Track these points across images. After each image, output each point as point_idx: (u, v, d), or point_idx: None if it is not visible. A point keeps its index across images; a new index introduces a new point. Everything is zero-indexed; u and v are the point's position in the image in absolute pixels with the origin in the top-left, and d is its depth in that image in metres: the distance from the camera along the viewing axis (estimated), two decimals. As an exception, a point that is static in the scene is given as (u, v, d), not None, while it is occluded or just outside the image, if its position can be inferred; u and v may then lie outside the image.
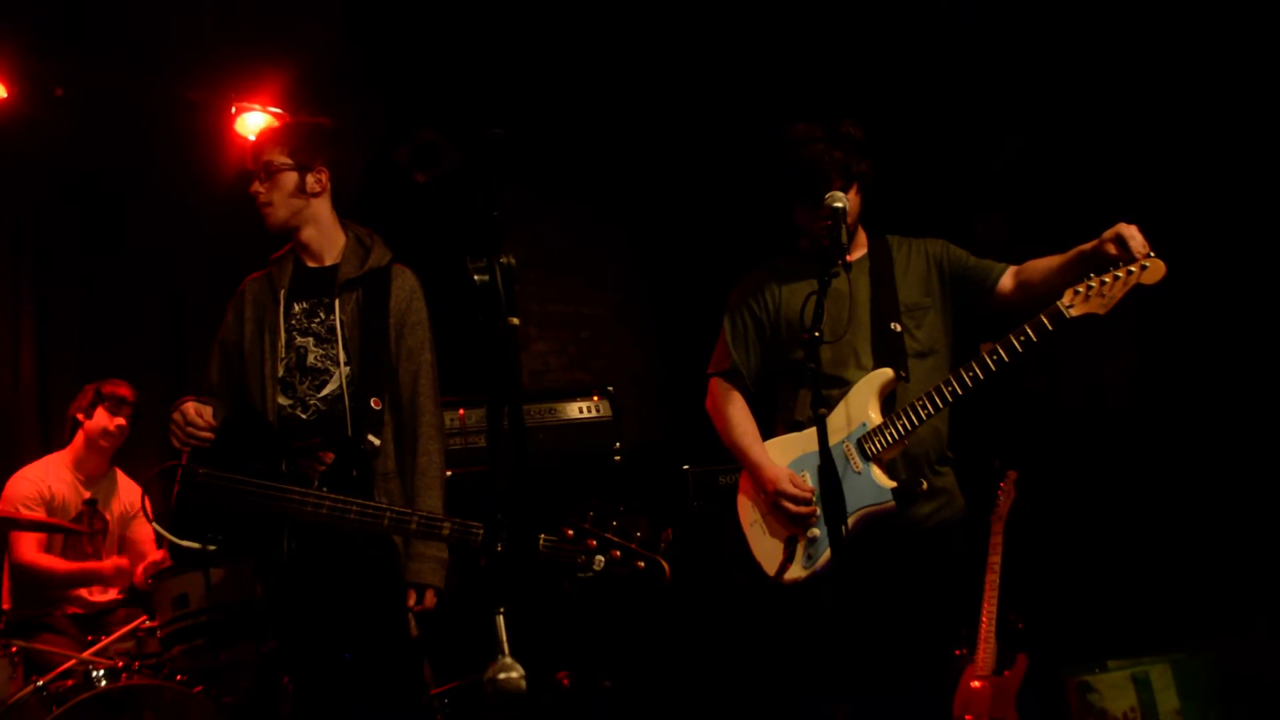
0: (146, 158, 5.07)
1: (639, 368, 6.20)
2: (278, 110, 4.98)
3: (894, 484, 2.71)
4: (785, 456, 2.89)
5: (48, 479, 4.28)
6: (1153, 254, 2.56)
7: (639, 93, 5.33)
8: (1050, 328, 2.62)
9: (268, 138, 3.04)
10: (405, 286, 2.98)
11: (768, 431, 2.99)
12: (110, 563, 4.23)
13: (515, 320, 1.79)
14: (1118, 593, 4.14)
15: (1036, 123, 4.60)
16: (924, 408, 2.70)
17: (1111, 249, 2.60)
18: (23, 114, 4.76)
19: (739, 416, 2.98)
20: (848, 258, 2.64)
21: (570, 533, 2.43)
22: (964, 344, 2.83)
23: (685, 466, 4.51)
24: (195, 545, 2.59)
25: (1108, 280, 2.57)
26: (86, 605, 4.22)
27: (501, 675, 1.78)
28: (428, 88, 5.05)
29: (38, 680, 3.52)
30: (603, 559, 2.40)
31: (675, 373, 6.02)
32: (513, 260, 1.78)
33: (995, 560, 3.88)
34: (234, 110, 4.97)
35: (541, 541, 2.40)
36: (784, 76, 5.00)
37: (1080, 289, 2.60)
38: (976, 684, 3.77)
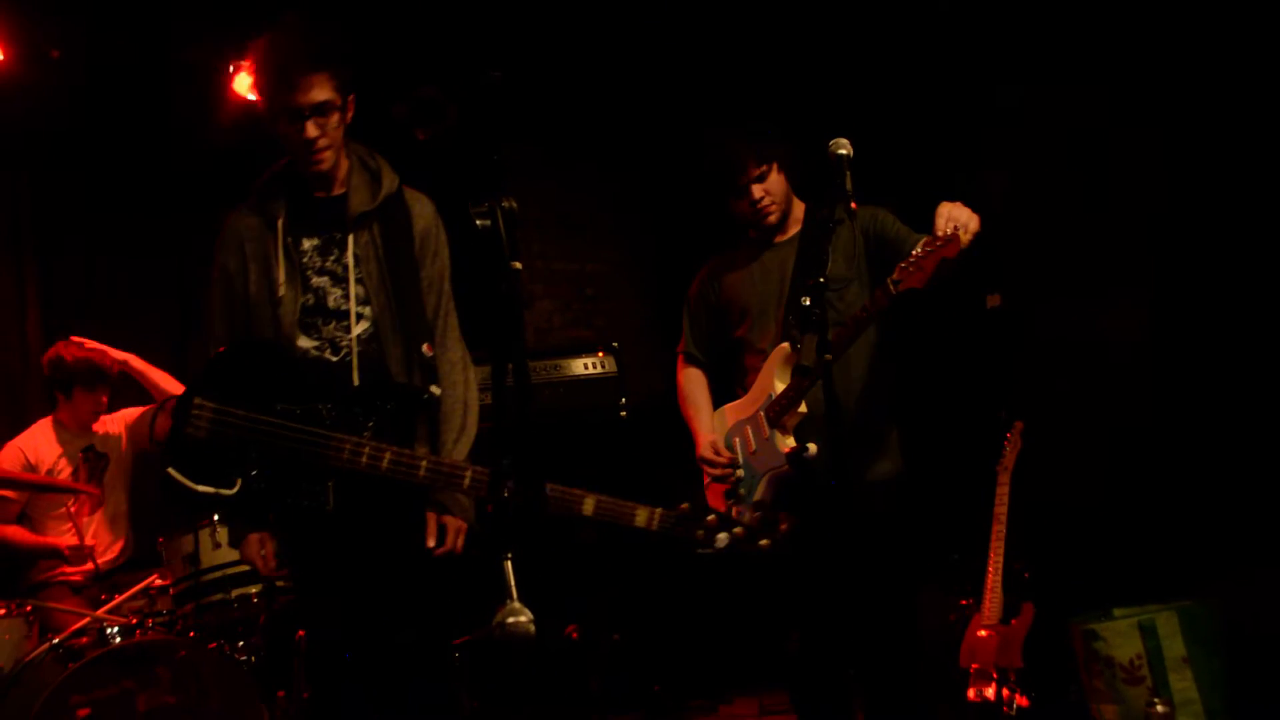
0: (144, 119, 5.03)
1: (643, 324, 6.19)
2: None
3: (789, 448, 2.91)
4: (728, 423, 3.17)
5: (29, 447, 4.27)
6: (956, 230, 2.63)
7: (643, 50, 5.28)
8: (884, 304, 2.75)
9: (312, 68, 2.55)
10: (425, 215, 2.78)
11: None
12: (64, 540, 4.13)
13: (518, 265, 1.78)
14: (1124, 541, 4.14)
15: (1034, 68, 4.53)
16: (807, 376, 2.88)
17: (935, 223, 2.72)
18: (20, 77, 4.73)
19: (690, 388, 3.33)
20: (778, 238, 3.13)
21: (685, 505, 2.43)
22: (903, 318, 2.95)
23: (691, 422, 4.51)
24: (210, 490, 2.40)
25: (919, 254, 2.67)
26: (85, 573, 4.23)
27: (510, 619, 1.80)
28: (429, 45, 4.99)
29: (53, 638, 3.56)
30: (726, 536, 2.40)
31: (680, 328, 6.01)
32: (515, 204, 1.76)
33: (1001, 510, 3.88)
34: (232, 70, 4.93)
35: (658, 516, 2.40)
36: (782, 29, 4.95)
37: (905, 264, 2.70)
38: (983, 633, 3.79)
